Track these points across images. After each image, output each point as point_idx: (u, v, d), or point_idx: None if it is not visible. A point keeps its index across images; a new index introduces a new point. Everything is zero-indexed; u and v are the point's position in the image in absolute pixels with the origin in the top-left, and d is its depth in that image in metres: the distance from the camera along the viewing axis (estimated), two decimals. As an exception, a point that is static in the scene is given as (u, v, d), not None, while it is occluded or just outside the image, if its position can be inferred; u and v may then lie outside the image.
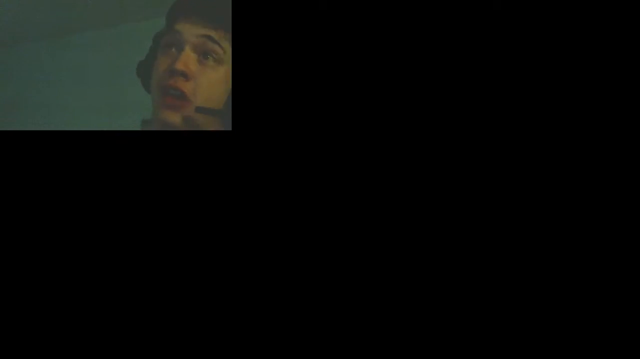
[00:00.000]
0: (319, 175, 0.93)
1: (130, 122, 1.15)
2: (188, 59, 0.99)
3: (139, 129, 1.10)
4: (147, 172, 0.94)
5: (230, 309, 0.92)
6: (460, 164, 0.92)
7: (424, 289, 0.91)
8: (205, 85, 1.00)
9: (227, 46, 1.01)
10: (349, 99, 0.93)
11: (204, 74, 1.00)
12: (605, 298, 0.90)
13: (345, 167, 0.92)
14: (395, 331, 0.91)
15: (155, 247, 0.93)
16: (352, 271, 0.92)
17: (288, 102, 0.93)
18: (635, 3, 0.91)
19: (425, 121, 0.92)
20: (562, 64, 0.92)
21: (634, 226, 0.90)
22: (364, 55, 0.93)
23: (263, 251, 0.92)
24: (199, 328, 0.92)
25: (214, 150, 0.93)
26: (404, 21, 0.93)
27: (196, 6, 1.01)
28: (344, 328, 0.91)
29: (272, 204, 0.93)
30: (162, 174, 0.94)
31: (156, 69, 1.03)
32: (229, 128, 1.00)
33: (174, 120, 0.99)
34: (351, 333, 0.91)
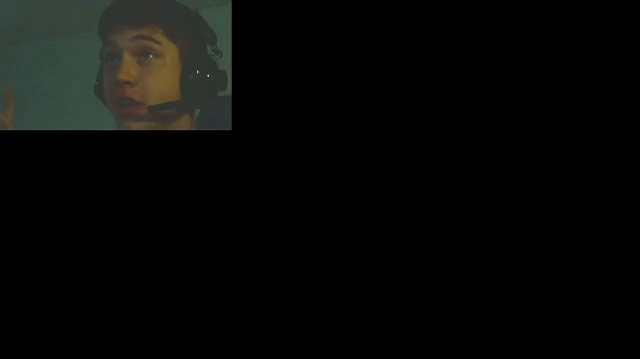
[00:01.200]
0: (319, 175, 0.92)
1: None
2: (128, 66, 1.00)
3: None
4: (147, 172, 0.94)
5: (231, 309, 0.92)
6: (460, 164, 0.92)
7: (424, 289, 0.91)
8: (152, 84, 1.01)
9: (162, 38, 1.02)
10: (349, 99, 0.93)
11: (148, 73, 1.01)
12: (605, 298, 0.90)
13: (345, 167, 0.92)
14: (395, 331, 0.91)
15: (155, 247, 0.93)
16: (352, 271, 0.92)
17: (288, 102, 0.93)
18: (635, 3, 0.91)
19: (426, 121, 0.92)
20: (562, 64, 0.92)
21: (634, 226, 0.90)
22: (364, 55, 0.93)
23: (263, 251, 0.92)
24: (199, 328, 0.92)
25: (214, 150, 0.93)
26: (404, 21, 0.93)
27: (121, 12, 1.03)
28: (344, 328, 0.91)
29: (272, 204, 0.93)
30: (162, 174, 0.94)
31: (105, 85, 1.05)
32: (229, 127, 1.01)
33: (134, 126, 1.00)
34: (351, 333, 0.91)
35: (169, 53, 1.03)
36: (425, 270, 0.91)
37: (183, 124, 1.05)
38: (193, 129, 1.07)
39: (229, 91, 1.05)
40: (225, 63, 1.07)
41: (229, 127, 1.00)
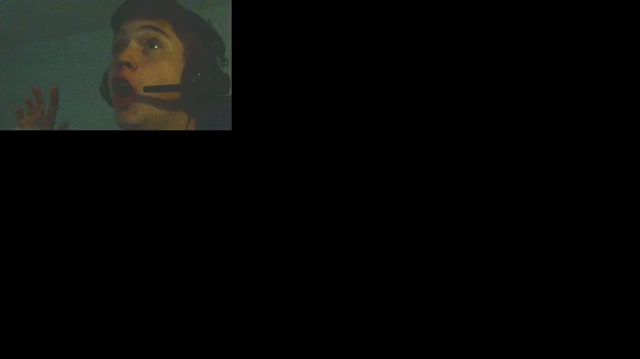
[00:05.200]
0: (319, 175, 0.93)
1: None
2: (132, 51, 1.03)
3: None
4: (147, 172, 0.94)
5: (231, 309, 0.92)
6: (460, 164, 0.92)
7: (424, 289, 0.91)
8: (151, 72, 1.03)
9: (169, 31, 1.04)
10: (349, 99, 0.93)
11: (150, 62, 1.03)
12: (605, 298, 0.90)
13: (345, 167, 0.92)
14: (395, 331, 0.91)
15: (155, 248, 0.93)
16: (352, 271, 0.92)
17: (288, 102, 0.93)
18: (635, 3, 0.91)
19: (426, 121, 0.92)
20: (562, 64, 0.92)
21: (634, 226, 0.90)
22: (364, 55, 0.93)
23: (263, 251, 0.92)
24: (199, 328, 0.92)
25: (214, 150, 0.93)
26: (404, 21, 0.93)
27: (135, 7, 1.06)
28: (344, 328, 0.91)
29: (272, 204, 0.93)
30: (163, 174, 0.94)
31: (109, 69, 1.07)
32: (229, 127, 1.01)
33: (131, 118, 1.01)
34: (351, 333, 0.91)
35: (174, 47, 1.05)
36: (425, 270, 0.91)
37: (180, 120, 1.06)
38: (191, 128, 1.07)
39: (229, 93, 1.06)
40: (229, 69, 1.08)
41: (229, 127, 1.00)
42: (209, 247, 0.93)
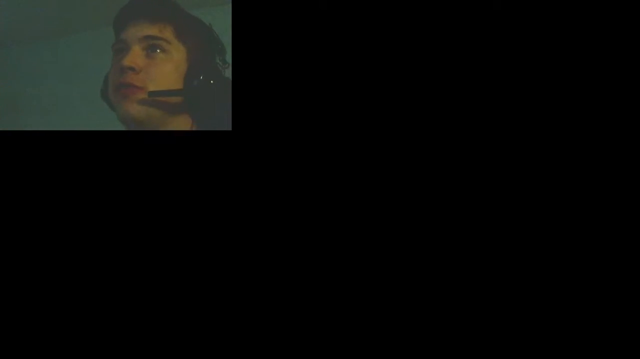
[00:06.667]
0: (319, 175, 0.93)
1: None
2: (135, 55, 1.03)
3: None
4: (147, 172, 0.94)
5: (231, 309, 0.92)
6: (460, 164, 0.92)
7: (424, 289, 0.91)
8: (155, 74, 1.03)
9: (170, 36, 1.05)
10: (349, 99, 0.93)
11: (153, 64, 1.04)
12: (605, 298, 0.90)
13: (345, 166, 0.92)
14: (395, 331, 0.91)
15: (155, 248, 0.93)
16: (351, 271, 0.92)
17: (288, 102, 0.93)
18: (635, 3, 0.91)
19: (426, 121, 0.92)
20: (562, 64, 0.92)
21: (634, 226, 0.90)
22: (364, 55, 0.93)
23: (263, 251, 0.92)
24: (199, 328, 0.92)
25: (214, 150, 0.93)
26: (404, 21, 0.93)
27: (137, 11, 1.06)
28: (344, 328, 0.91)
29: (271, 204, 0.93)
30: (162, 174, 0.94)
31: (111, 75, 1.07)
32: (229, 127, 1.01)
33: (132, 109, 1.02)
34: (351, 333, 0.91)
35: (176, 52, 1.05)
36: (425, 270, 0.91)
37: (182, 122, 1.06)
38: (190, 128, 1.08)
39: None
40: (230, 71, 1.08)
41: (229, 127, 1.01)
42: (209, 247, 0.93)
